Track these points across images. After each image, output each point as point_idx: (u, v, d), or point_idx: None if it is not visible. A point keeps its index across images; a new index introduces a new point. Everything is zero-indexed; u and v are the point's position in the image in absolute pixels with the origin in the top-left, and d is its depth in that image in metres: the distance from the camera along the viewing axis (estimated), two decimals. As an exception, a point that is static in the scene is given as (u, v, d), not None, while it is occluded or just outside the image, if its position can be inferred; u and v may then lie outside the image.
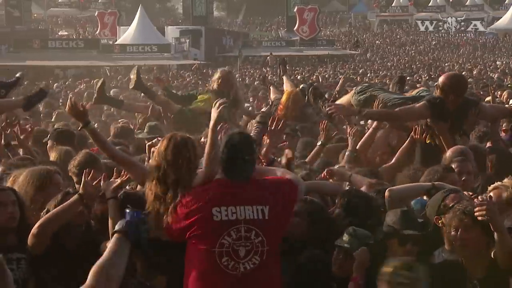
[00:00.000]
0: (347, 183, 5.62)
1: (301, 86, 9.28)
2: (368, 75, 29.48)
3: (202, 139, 5.25)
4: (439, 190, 4.89)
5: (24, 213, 4.64)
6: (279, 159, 6.49)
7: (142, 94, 10.71)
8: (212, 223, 4.26)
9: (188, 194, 4.31)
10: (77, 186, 5.27)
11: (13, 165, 6.07)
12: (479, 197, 4.65)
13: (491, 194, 4.86)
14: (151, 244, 4.37)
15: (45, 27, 66.84)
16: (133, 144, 7.62)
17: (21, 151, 7.10)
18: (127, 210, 4.16)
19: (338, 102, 7.67)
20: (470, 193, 5.01)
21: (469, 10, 74.76)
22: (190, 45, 45.96)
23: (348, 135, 6.91)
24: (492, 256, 4.24)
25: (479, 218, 4.11)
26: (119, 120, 10.06)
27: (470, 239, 4.24)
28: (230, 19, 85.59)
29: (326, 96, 9.98)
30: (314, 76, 27.97)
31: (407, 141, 6.75)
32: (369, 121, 8.31)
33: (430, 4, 77.65)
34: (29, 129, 7.40)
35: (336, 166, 6.16)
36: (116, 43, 47.06)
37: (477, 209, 4.13)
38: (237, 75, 26.31)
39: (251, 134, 5.59)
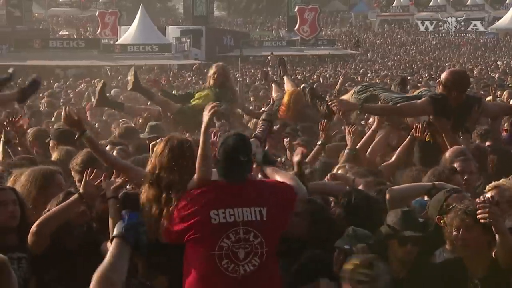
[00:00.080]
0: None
1: (302, 86, 9.27)
2: (368, 74, 29.46)
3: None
4: (439, 190, 4.89)
5: (25, 213, 4.64)
6: (282, 158, 6.50)
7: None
8: (210, 226, 4.26)
9: (185, 197, 4.31)
10: (78, 184, 5.28)
11: (11, 165, 6.06)
12: (481, 197, 4.66)
13: (491, 194, 4.85)
14: (151, 244, 4.38)
15: (46, 27, 66.87)
16: (132, 144, 7.60)
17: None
18: (124, 213, 4.16)
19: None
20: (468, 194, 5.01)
21: (470, 10, 74.70)
22: (191, 45, 45.95)
23: (347, 134, 6.90)
24: (493, 255, 4.25)
25: (482, 220, 4.11)
26: (120, 120, 10.05)
27: (471, 239, 4.24)
28: (231, 18, 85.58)
29: (327, 96, 9.97)
30: (315, 76, 27.98)
31: (407, 139, 6.73)
32: (369, 121, 8.32)
33: (430, 4, 77.62)
34: (25, 125, 7.39)
35: (336, 167, 6.14)
36: (117, 43, 47.07)
37: (479, 211, 4.13)
38: (237, 75, 26.34)
39: (256, 132, 5.59)
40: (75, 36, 60.99)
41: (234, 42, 51.46)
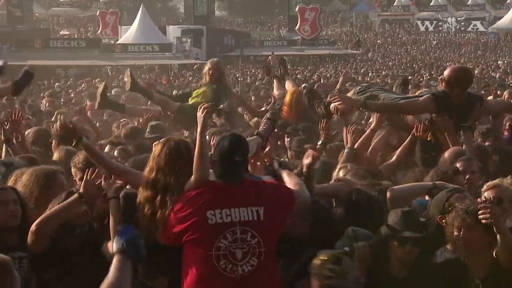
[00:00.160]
0: None
1: (303, 85, 9.27)
2: (369, 74, 29.44)
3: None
4: (440, 190, 4.89)
5: (26, 212, 4.65)
6: (283, 158, 6.50)
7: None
8: (207, 226, 4.26)
9: (182, 199, 4.32)
10: (79, 183, 5.28)
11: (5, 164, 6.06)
12: (482, 197, 4.66)
13: (491, 193, 4.84)
14: (150, 245, 4.39)
15: (47, 26, 66.95)
16: (133, 144, 7.60)
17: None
18: (121, 228, 4.18)
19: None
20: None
21: (471, 10, 74.68)
22: (192, 45, 45.97)
23: (348, 133, 6.89)
24: (494, 255, 4.24)
25: (483, 221, 4.11)
26: (121, 120, 10.06)
27: (472, 238, 4.23)
28: (232, 18, 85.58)
29: (329, 96, 9.96)
30: (316, 76, 27.96)
31: (407, 139, 6.72)
32: (370, 120, 8.31)
33: (431, 4, 77.61)
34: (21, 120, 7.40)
35: (338, 167, 6.12)
36: (117, 42, 47.08)
37: (480, 212, 4.12)
38: (238, 74, 26.35)
39: (259, 130, 5.59)
40: (75, 36, 61.01)
41: (235, 42, 51.46)
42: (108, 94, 10.07)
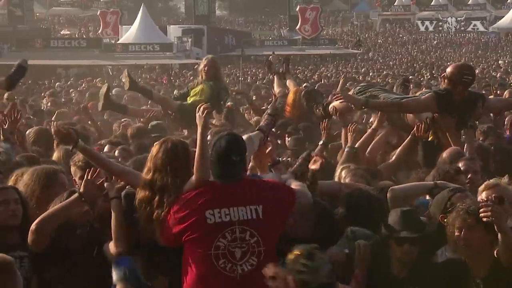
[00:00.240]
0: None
1: (303, 85, 9.27)
2: (370, 74, 29.44)
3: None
4: (442, 190, 4.88)
5: (27, 212, 4.65)
6: (285, 158, 6.49)
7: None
8: (206, 226, 4.27)
9: (180, 200, 4.32)
10: (79, 182, 5.28)
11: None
12: (479, 197, 4.66)
13: (489, 193, 4.82)
14: (151, 245, 4.40)
15: (47, 26, 67.02)
16: (134, 144, 7.60)
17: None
18: (119, 259, 4.19)
19: (336, 102, 7.62)
20: None
21: (472, 9, 74.70)
22: (192, 44, 45.96)
23: (348, 132, 6.88)
24: (495, 255, 4.24)
25: (484, 219, 4.10)
26: (122, 120, 10.05)
27: (473, 239, 4.23)
28: (232, 18, 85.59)
29: (330, 97, 9.94)
30: (316, 75, 27.96)
31: (407, 139, 6.70)
32: (370, 120, 8.31)
33: (432, 3, 77.61)
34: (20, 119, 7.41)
35: (341, 167, 6.11)
36: (118, 42, 47.09)
37: (482, 210, 4.12)
38: (238, 74, 26.36)
39: (261, 124, 5.58)
40: (76, 35, 61.04)
41: (236, 42, 51.47)
42: (110, 94, 10.06)
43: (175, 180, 4.36)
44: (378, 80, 23.89)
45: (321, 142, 7.02)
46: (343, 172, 5.86)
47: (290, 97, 9.12)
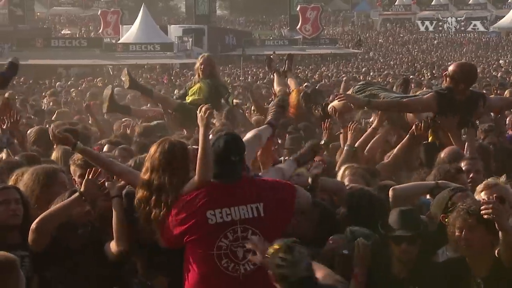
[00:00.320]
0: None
1: (304, 85, 9.26)
2: (371, 74, 29.44)
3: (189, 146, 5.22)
4: (443, 189, 4.88)
5: (28, 211, 4.64)
6: (281, 158, 6.49)
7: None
8: (207, 226, 4.27)
9: (180, 201, 4.32)
10: (78, 180, 5.28)
11: (11, 163, 6.06)
12: (477, 196, 4.66)
13: (488, 192, 4.82)
14: (151, 244, 4.40)
15: (48, 26, 67.01)
16: (136, 144, 7.60)
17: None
18: None
19: (335, 102, 7.63)
20: None
21: (472, 9, 74.70)
22: (193, 44, 45.97)
23: (348, 131, 6.87)
24: (496, 254, 4.24)
25: (485, 216, 4.10)
26: (122, 119, 10.05)
27: (474, 239, 4.22)
28: (233, 17, 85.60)
29: (331, 97, 9.94)
30: (317, 75, 27.96)
31: (405, 139, 6.71)
32: (371, 119, 8.31)
33: (433, 3, 77.61)
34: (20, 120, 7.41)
35: (344, 167, 6.11)
36: (119, 42, 47.12)
37: (483, 207, 4.11)
38: (239, 73, 26.34)
39: (269, 118, 5.55)
40: (77, 35, 61.03)
41: (236, 41, 51.52)
42: (118, 103, 10.03)
43: (172, 179, 4.35)
44: (379, 79, 23.87)
45: (322, 142, 7.02)
46: (346, 172, 5.86)
47: (294, 98, 9.11)
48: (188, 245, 4.31)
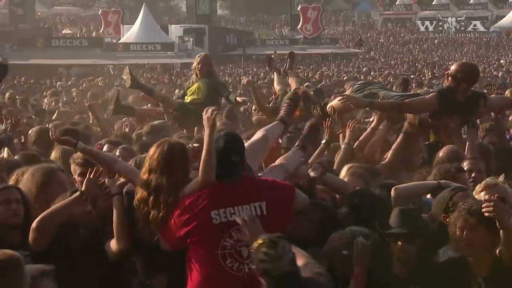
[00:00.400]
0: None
1: (305, 84, 9.25)
2: (371, 73, 29.44)
3: (191, 145, 5.20)
4: (444, 189, 4.88)
5: (29, 211, 4.65)
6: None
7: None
8: (212, 226, 4.27)
9: (182, 202, 4.32)
10: (78, 179, 5.28)
11: (11, 163, 6.06)
12: (476, 195, 4.66)
13: (488, 192, 4.81)
14: (151, 244, 4.40)
15: (49, 25, 66.98)
16: (138, 143, 7.61)
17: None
18: None
19: (334, 102, 7.62)
20: None
21: (473, 9, 74.69)
22: (194, 44, 45.97)
23: (347, 128, 6.86)
24: (497, 254, 4.23)
25: (486, 214, 4.10)
26: (123, 119, 10.05)
27: (475, 239, 4.21)
28: (234, 17, 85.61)
29: (333, 96, 9.93)
30: (317, 75, 27.96)
31: (400, 137, 6.71)
32: (371, 119, 8.30)
33: (434, 3, 77.60)
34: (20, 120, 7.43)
35: (347, 166, 6.11)
36: (119, 41, 47.10)
37: (484, 205, 4.11)
38: (240, 72, 26.34)
39: (281, 113, 5.48)
40: (78, 35, 61.04)
41: (237, 41, 51.53)
42: (123, 105, 10.02)
43: (170, 180, 4.35)
44: (380, 79, 23.87)
45: (323, 141, 7.01)
46: (346, 171, 5.85)
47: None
48: (192, 246, 4.31)
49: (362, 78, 24.15)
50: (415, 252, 4.43)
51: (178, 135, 7.68)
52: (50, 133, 5.34)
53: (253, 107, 10.72)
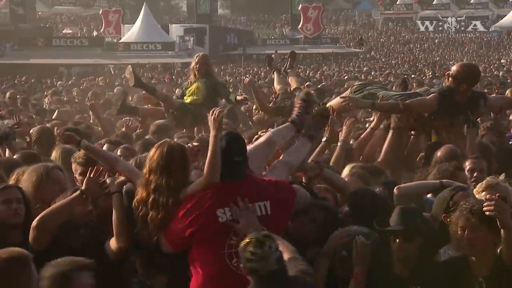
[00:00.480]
0: None
1: (306, 84, 9.24)
2: (372, 73, 29.43)
3: (190, 144, 5.19)
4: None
5: (30, 211, 4.65)
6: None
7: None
8: (218, 225, 4.27)
9: (187, 202, 4.32)
10: (79, 178, 5.28)
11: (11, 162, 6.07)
12: (477, 195, 4.66)
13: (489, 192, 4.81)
14: (151, 244, 4.39)
15: (50, 25, 66.99)
16: (140, 142, 7.61)
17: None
18: None
19: (333, 102, 7.62)
20: None
21: (474, 8, 74.68)
22: (194, 43, 45.98)
23: (344, 125, 6.86)
24: (498, 253, 4.23)
25: (487, 213, 4.10)
26: (124, 119, 10.05)
27: (477, 238, 4.21)
28: (234, 17, 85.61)
29: (334, 96, 9.92)
30: (318, 74, 27.96)
31: (390, 135, 6.71)
32: (370, 119, 8.31)
33: (434, 2, 77.58)
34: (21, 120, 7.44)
35: (350, 166, 6.10)
36: (120, 41, 47.10)
37: (485, 204, 4.11)
38: (241, 71, 26.32)
39: (293, 115, 5.36)
40: (78, 34, 61.06)
41: (238, 41, 51.53)
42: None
43: (169, 182, 4.35)
44: (380, 79, 23.87)
45: (324, 139, 7.01)
46: (347, 171, 5.85)
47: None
48: (197, 246, 4.30)
49: (362, 77, 24.16)
50: (414, 251, 4.42)
51: (178, 135, 7.69)
52: (55, 130, 5.35)
53: (254, 107, 10.71)
